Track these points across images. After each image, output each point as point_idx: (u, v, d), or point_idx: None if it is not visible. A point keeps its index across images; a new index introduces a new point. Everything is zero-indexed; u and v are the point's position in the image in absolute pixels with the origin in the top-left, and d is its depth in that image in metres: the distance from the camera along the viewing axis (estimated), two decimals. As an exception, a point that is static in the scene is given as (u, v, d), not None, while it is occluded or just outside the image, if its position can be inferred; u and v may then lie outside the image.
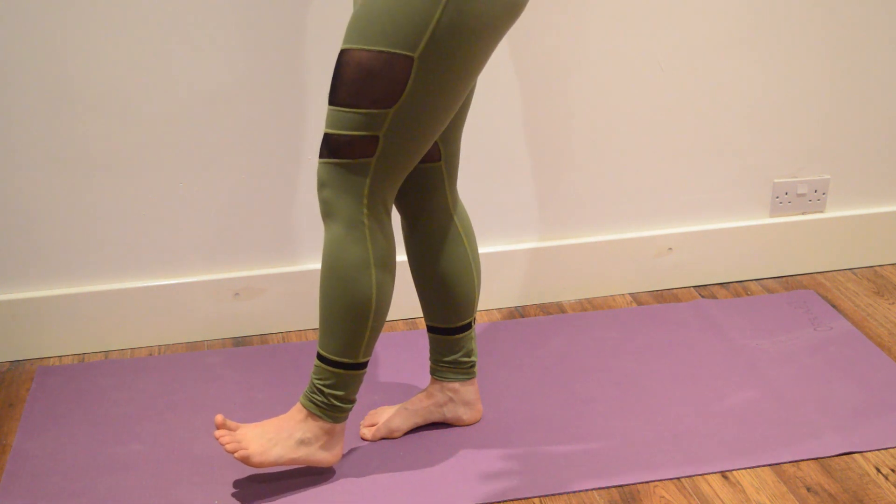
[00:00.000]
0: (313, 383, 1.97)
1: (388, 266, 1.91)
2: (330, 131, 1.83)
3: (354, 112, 1.79)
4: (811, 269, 2.81)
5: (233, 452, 1.94)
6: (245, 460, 1.94)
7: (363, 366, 1.96)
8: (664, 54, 2.53)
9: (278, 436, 1.97)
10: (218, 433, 1.96)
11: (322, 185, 1.86)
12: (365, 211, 1.86)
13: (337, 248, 1.88)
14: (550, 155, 2.57)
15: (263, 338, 2.54)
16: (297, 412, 1.99)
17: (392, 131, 1.80)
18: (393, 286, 1.94)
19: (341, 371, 1.94)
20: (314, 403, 1.97)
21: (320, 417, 1.97)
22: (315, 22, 2.32)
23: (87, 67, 2.26)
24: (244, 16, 2.29)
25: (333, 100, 1.82)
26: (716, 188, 2.69)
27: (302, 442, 1.98)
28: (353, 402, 1.99)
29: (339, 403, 1.97)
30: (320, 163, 1.86)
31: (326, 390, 1.96)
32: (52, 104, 2.27)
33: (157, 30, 2.26)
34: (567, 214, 2.63)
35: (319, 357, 1.95)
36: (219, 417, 1.96)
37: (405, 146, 1.83)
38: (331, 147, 1.83)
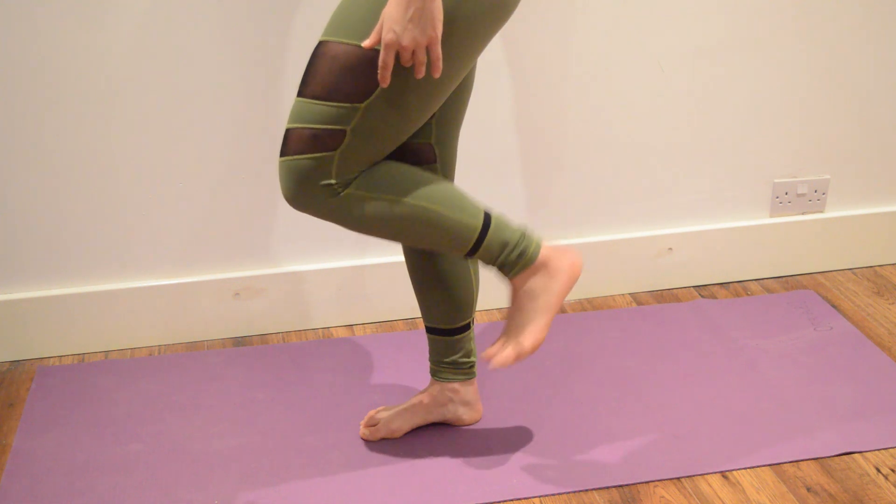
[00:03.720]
0: (508, 253, 1.89)
1: (415, 187, 1.85)
2: (293, 126, 1.78)
3: (324, 104, 1.76)
4: (811, 269, 2.81)
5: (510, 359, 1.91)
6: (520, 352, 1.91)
7: (489, 223, 1.89)
8: (664, 54, 2.53)
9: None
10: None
11: (287, 191, 1.81)
12: (340, 190, 1.81)
13: (355, 208, 1.82)
14: (550, 155, 2.57)
15: (263, 338, 2.54)
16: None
17: (360, 126, 1.77)
18: (439, 183, 1.88)
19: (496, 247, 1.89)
20: (508, 263, 1.90)
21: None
22: (311, 21, 2.32)
23: (87, 67, 2.26)
24: (244, 14, 2.29)
25: (304, 91, 1.78)
26: (716, 188, 2.69)
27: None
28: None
29: (516, 255, 1.90)
30: (281, 162, 1.80)
31: (512, 254, 1.89)
32: (50, 104, 2.27)
33: (159, 30, 2.26)
34: (566, 215, 2.63)
35: (477, 247, 1.88)
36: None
37: (371, 142, 1.79)
38: (292, 143, 1.78)
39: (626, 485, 2.04)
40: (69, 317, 2.44)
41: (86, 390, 2.33)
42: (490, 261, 1.91)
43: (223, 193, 2.42)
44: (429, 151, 1.96)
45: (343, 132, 1.77)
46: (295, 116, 1.79)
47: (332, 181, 1.79)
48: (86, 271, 2.43)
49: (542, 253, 1.91)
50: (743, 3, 2.53)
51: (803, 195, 2.75)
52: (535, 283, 1.92)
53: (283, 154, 1.80)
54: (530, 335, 1.91)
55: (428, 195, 1.84)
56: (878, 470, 2.08)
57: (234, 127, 2.37)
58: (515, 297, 1.94)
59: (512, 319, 1.95)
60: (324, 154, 1.78)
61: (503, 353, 1.92)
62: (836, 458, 2.11)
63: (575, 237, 2.65)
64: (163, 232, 2.43)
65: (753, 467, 2.08)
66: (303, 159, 1.78)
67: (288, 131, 1.80)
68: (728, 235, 2.73)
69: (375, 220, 1.83)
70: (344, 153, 1.78)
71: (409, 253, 2.07)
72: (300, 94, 1.79)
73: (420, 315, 2.50)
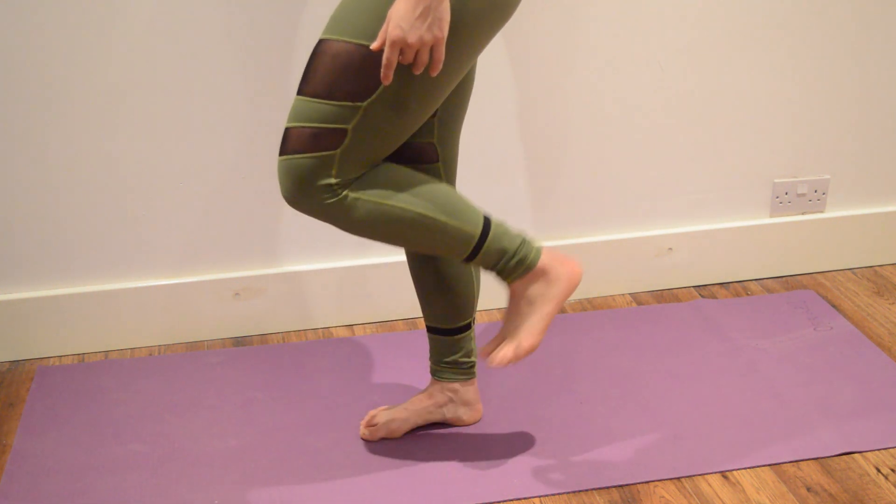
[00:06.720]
0: (507, 261, 1.89)
1: (412, 185, 1.84)
2: (293, 125, 1.77)
3: (325, 103, 1.75)
4: (811, 269, 2.81)
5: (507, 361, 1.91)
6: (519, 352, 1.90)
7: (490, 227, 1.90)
8: (664, 54, 2.53)
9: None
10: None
11: (286, 191, 1.80)
12: (339, 191, 1.80)
13: (353, 211, 1.81)
14: (550, 155, 2.57)
15: (263, 338, 2.54)
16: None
17: (361, 126, 1.76)
18: (435, 185, 1.88)
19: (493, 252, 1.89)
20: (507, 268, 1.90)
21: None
22: (313, 20, 2.32)
23: (87, 67, 2.26)
24: (244, 15, 2.29)
25: (304, 89, 1.77)
26: (716, 188, 2.69)
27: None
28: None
29: (514, 262, 1.90)
30: (280, 161, 1.79)
31: (511, 261, 1.89)
32: (50, 104, 2.27)
33: (158, 31, 2.26)
34: (566, 215, 2.63)
35: (475, 254, 1.88)
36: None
37: (372, 142, 1.79)
38: (292, 142, 1.77)
39: (626, 485, 2.04)
40: (69, 317, 2.44)
41: (86, 390, 2.33)
42: (488, 266, 1.91)
43: (223, 193, 2.42)
44: (431, 151, 1.96)
45: (344, 131, 1.76)
46: (295, 115, 1.78)
47: (333, 181, 1.78)
48: (86, 271, 2.43)
49: (542, 260, 1.91)
50: (743, 3, 2.53)
51: (803, 195, 2.75)
52: (534, 289, 1.92)
53: (282, 153, 1.79)
54: (528, 337, 1.92)
55: (427, 200, 1.84)
56: (878, 470, 2.08)
57: (235, 127, 2.37)
58: (513, 301, 1.94)
59: (509, 322, 1.95)
60: (324, 153, 1.77)
61: (501, 352, 1.93)
62: (836, 458, 2.11)
63: (575, 237, 2.65)
64: (163, 232, 2.43)
65: (753, 467, 2.08)
66: (303, 158, 1.78)
67: (287, 130, 1.79)
68: (728, 235, 2.73)
69: (372, 224, 1.83)
70: (345, 152, 1.78)
71: (410, 252, 2.08)
72: (300, 92, 1.78)
73: (420, 315, 2.50)
